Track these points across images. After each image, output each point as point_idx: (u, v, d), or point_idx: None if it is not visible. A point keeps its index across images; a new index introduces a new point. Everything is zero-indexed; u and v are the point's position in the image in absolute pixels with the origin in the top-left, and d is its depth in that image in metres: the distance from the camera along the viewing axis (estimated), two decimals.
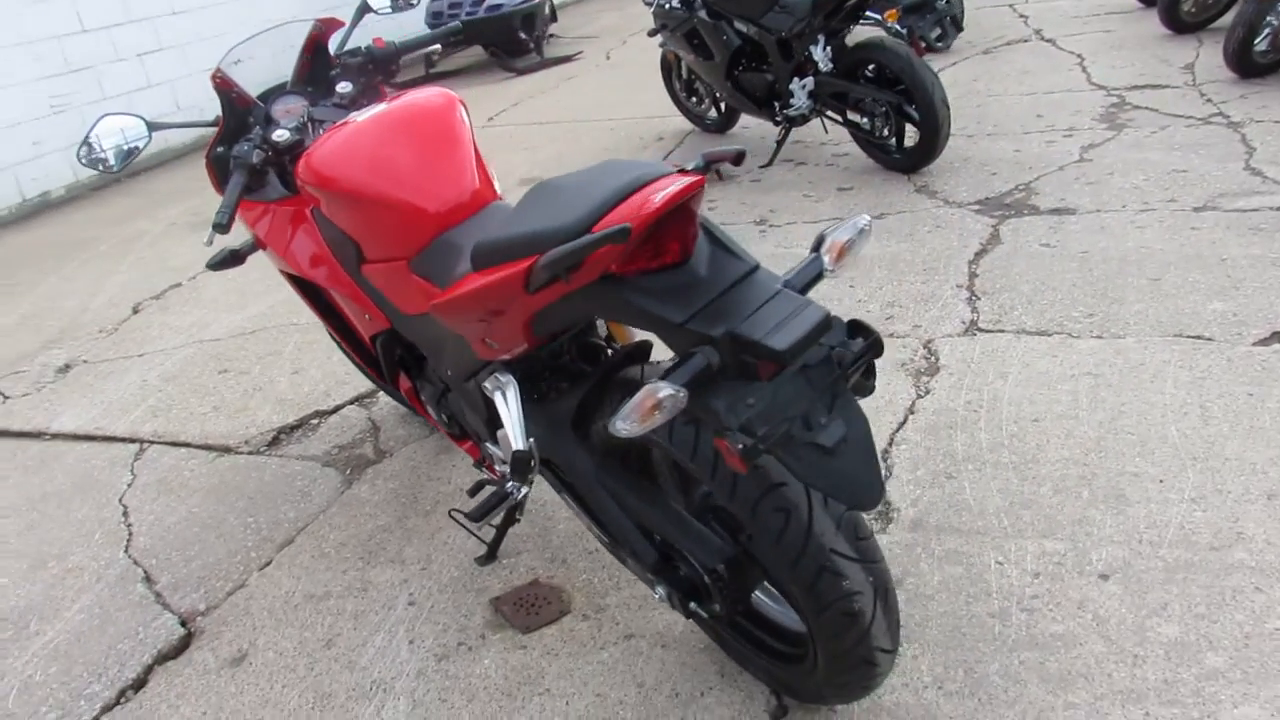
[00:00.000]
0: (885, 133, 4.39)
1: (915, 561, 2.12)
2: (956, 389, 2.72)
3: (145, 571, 2.49)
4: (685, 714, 1.83)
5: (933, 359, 2.90)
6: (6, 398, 3.60)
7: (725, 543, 1.61)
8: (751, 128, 5.51)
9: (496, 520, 2.12)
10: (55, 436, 3.25)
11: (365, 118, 2.00)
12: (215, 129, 2.38)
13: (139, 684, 2.13)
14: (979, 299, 3.22)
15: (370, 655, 2.10)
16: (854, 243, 1.43)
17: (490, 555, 2.26)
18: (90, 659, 2.21)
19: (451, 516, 2.20)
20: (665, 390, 1.26)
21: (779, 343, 1.27)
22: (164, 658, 2.19)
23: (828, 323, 1.30)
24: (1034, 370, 2.75)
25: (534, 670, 1.99)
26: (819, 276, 1.41)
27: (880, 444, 2.53)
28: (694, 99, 5.63)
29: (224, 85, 2.30)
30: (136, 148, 2.23)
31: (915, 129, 4.27)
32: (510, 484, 1.79)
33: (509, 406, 1.79)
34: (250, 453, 2.99)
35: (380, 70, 2.39)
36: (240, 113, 2.35)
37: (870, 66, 4.36)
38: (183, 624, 2.29)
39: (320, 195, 1.99)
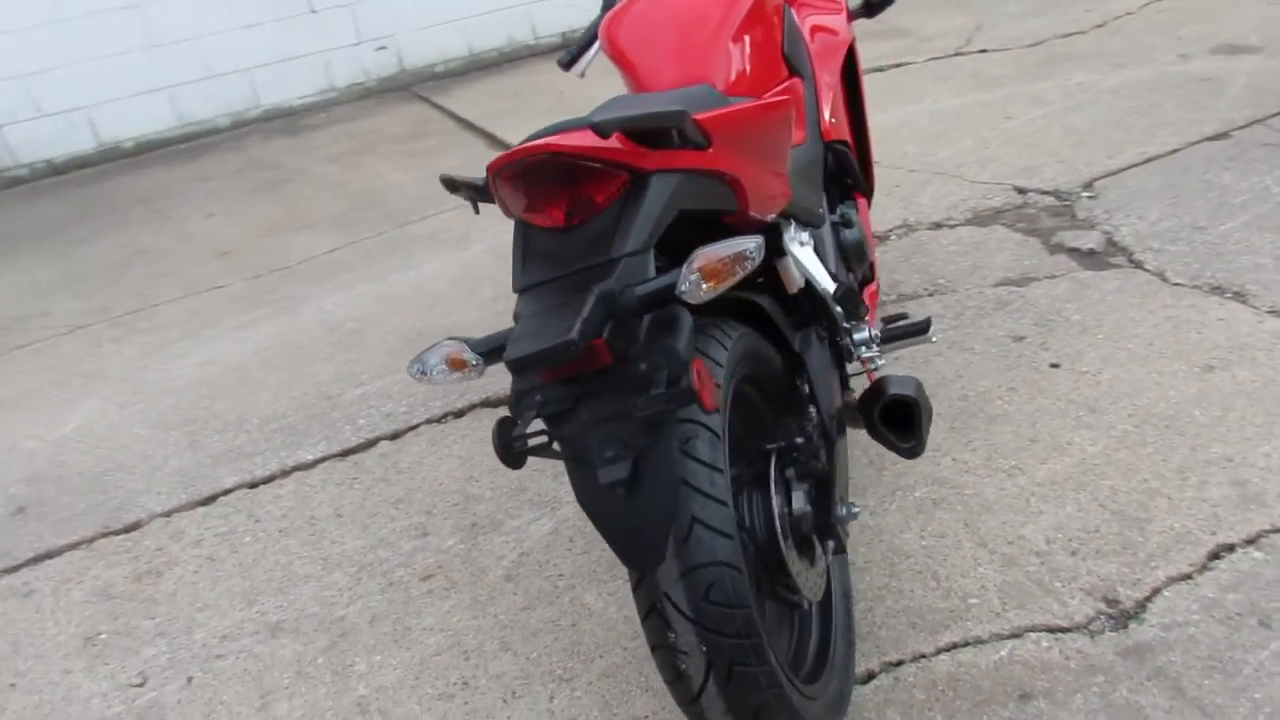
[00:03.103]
0: None
1: (1072, 689, 1.57)
2: None
3: None
4: None
5: None
6: None
7: None
8: None
9: None
10: None
11: None
12: None
13: None
14: None
15: None
16: (731, 266, 1.10)
17: None
18: None
19: None
20: (468, 353, 1.19)
21: (511, 351, 1.09)
22: None
23: (566, 349, 1.06)
24: None
25: None
26: (669, 291, 1.12)
27: (1257, 525, 1.81)
28: None
29: None
30: None
31: None
32: None
33: None
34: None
35: None
36: None
37: None
38: None
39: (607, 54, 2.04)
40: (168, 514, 2.43)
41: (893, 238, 3.21)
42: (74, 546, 2.36)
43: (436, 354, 1.22)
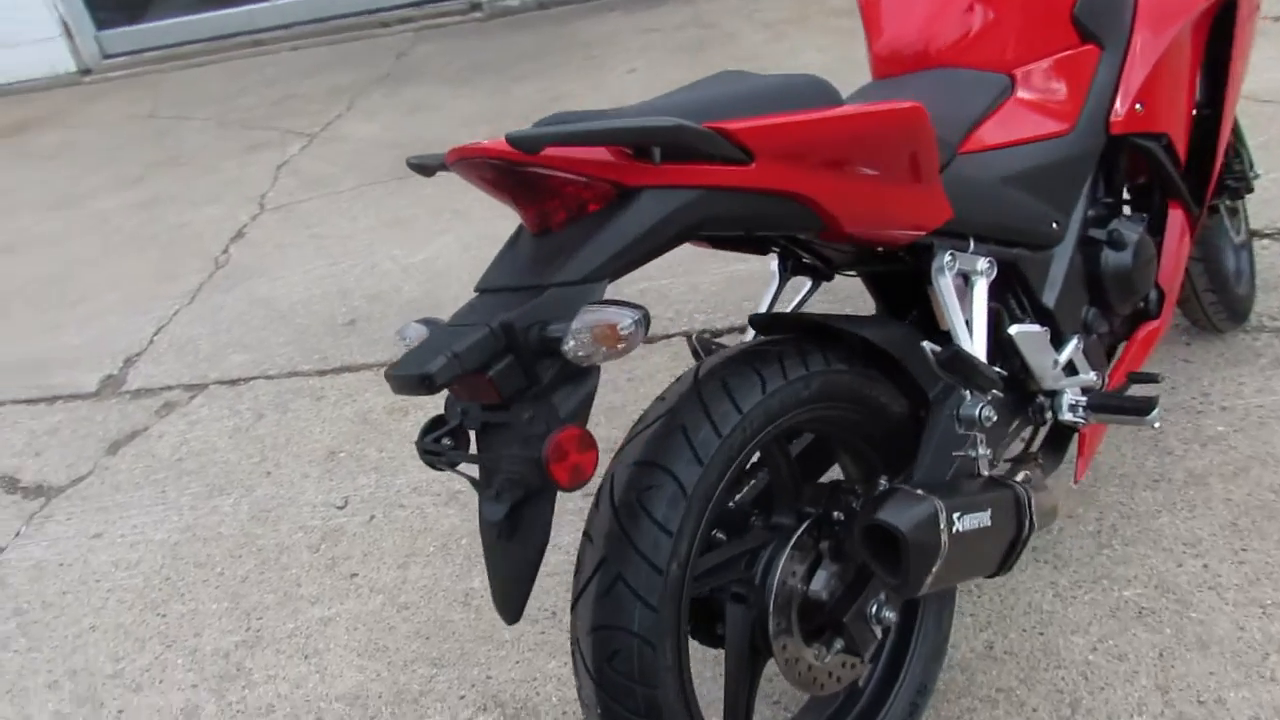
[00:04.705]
0: None
1: None
2: None
3: None
4: None
5: None
6: None
7: None
8: None
9: None
10: None
11: None
12: None
13: None
14: None
15: None
16: (610, 335, 0.90)
17: None
18: None
19: None
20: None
21: (394, 366, 1.00)
22: None
23: (423, 382, 0.94)
24: None
25: None
26: (554, 346, 0.95)
27: None
28: None
29: None
30: None
31: None
32: None
33: None
34: None
35: None
36: None
37: None
38: None
39: None
40: None
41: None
42: (368, 367, 2.75)
43: (414, 330, 1.20)
